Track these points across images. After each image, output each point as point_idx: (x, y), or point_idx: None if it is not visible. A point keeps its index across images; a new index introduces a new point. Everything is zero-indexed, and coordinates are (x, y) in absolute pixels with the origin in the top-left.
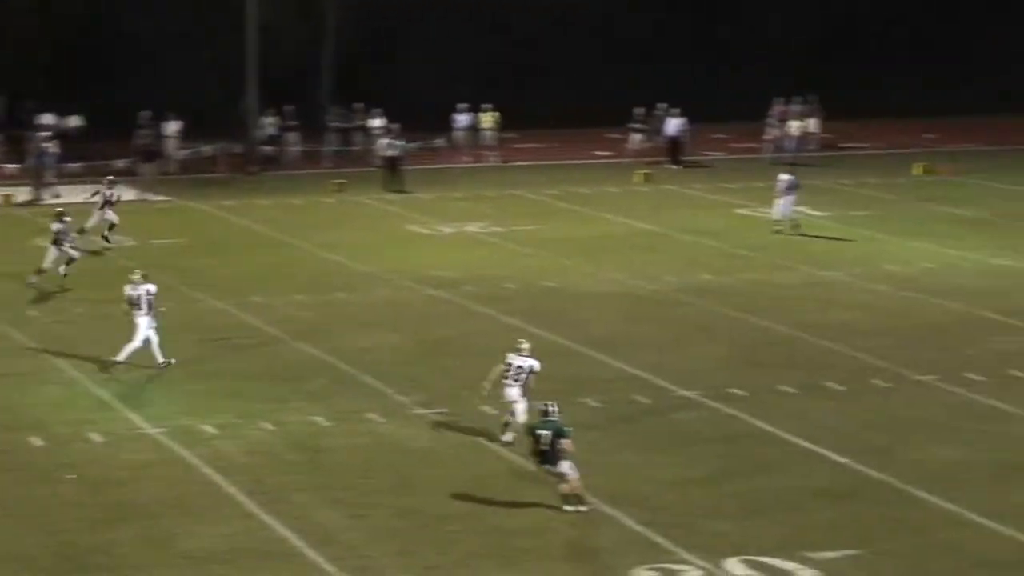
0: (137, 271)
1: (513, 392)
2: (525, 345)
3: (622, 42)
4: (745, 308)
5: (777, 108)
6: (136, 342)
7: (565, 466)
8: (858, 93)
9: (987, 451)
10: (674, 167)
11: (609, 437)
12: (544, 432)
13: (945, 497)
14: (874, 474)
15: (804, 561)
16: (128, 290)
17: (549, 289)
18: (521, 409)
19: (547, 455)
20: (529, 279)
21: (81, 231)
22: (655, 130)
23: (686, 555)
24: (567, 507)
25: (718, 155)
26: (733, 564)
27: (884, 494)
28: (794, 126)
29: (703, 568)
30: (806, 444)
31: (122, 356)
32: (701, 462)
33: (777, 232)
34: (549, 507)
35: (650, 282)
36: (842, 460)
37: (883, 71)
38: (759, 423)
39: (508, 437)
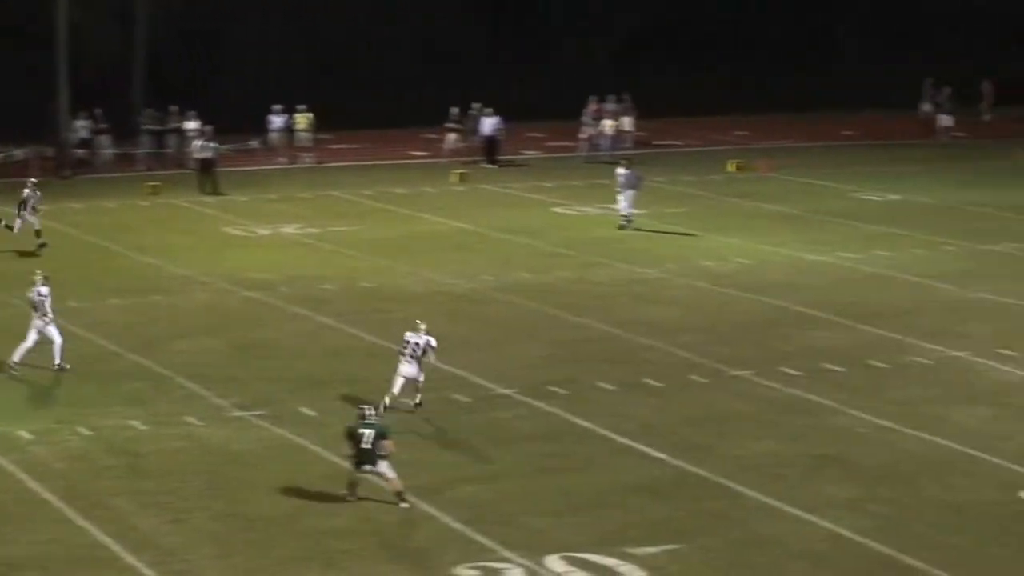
0: (39, 272)
1: (411, 369)
2: (422, 325)
3: (437, 43)
4: (563, 306)
5: (592, 106)
6: (27, 342)
7: (383, 466)
8: (671, 91)
9: (803, 444)
10: (490, 166)
11: (428, 436)
12: (366, 431)
13: (763, 491)
14: (693, 469)
15: (624, 557)
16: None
17: (366, 290)
18: (399, 384)
19: (367, 454)
20: (346, 280)
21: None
22: (471, 130)
23: (507, 553)
24: (403, 504)
25: (534, 154)
26: (553, 561)
27: (703, 489)
28: (608, 124)
29: (524, 565)
30: (625, 440)
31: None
32: (521, 460)
33: (622, 227)
34: (371, 504)
35: (467, 281)
36: (661, 456)
37: (695, 69)
38: (578, 420)
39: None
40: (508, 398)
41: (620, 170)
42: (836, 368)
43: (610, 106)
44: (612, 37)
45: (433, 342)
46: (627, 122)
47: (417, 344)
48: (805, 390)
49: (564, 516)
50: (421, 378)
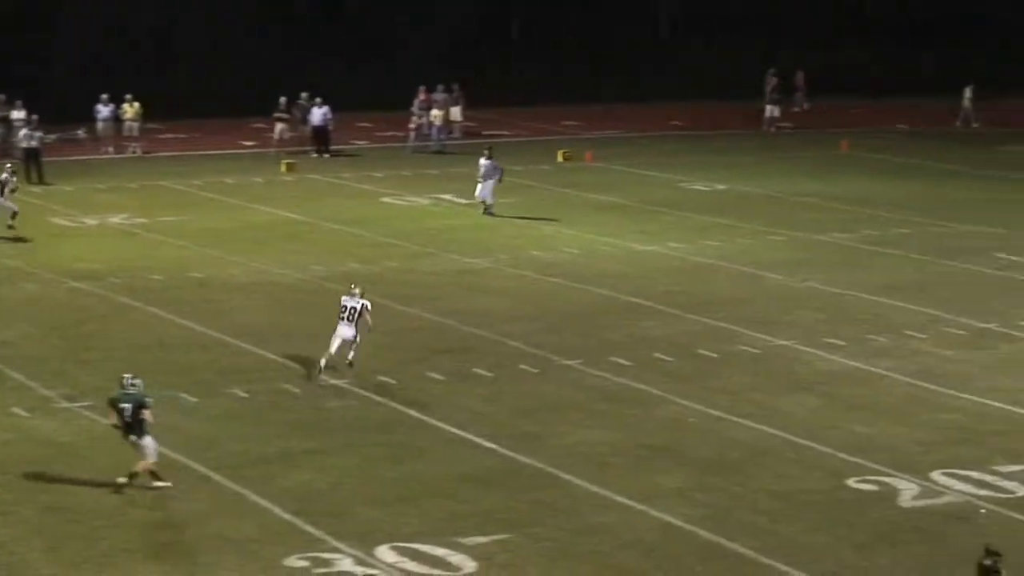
0: None
1: (348, 331)
2: (356, 289)
3: (267, 32)
4: (393, 296)
5: (421, 96)
6: None
7: (148, 440)
8: (501, 81)
9: (633, 434)
10: (320, 156)
11: (256, 427)
12: (125, 405)
13: (593, 480)
14: (523, 459)
15: (455, 547)
16: None
17: (196, 280)
18: (336, 344)
19: (131, 427)
20: (175, 270)
21: None
22: (300, 119)
23: (337, 543)
24: (121, 480)
25: (364, 144)
26: (384, 551)
27: (533, 479)
28: (435, 115)
29: (354, 556)
30: (456, 431)
31: None
32: (351, 450)
33: (486, 213)
34: (199, 496)
35: (297, 271)
36: (492, 445)
37: (525, 60)
38: (409, 410)
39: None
40: (340, 389)
41: (482, 160)
42: (666, 357)
43: (439, 96)
44: (443, 27)
45: (368, 305)
46: (456, 112)
47: (354, 308)
48: (635, 379)
49: (395, 506)
50: (358, 339)
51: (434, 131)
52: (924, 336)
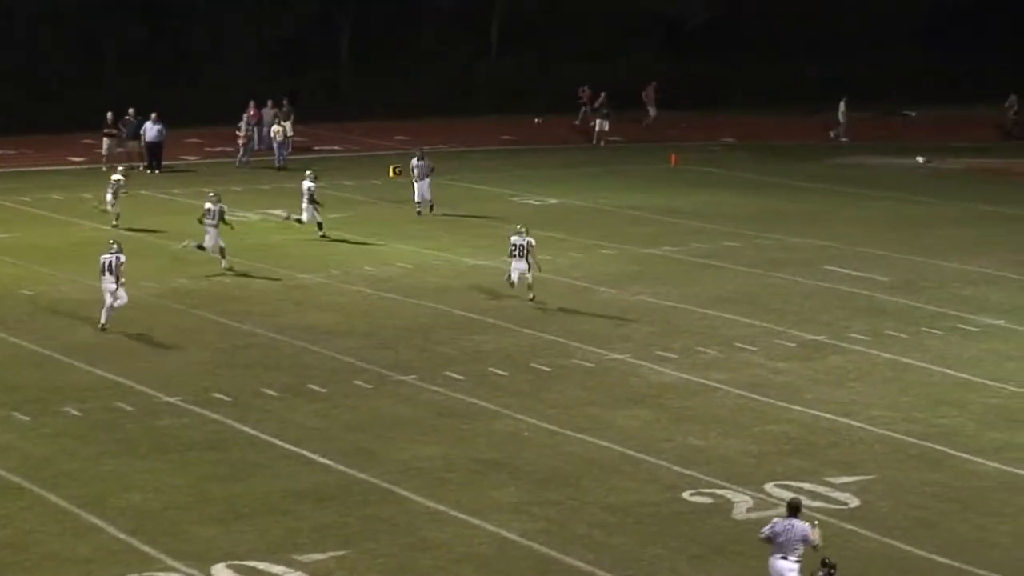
0: None
1: (522, 264)
2: (522, 228)
3: (97, 46)
4: (225, 312)
5: (251, 111)
6: None
7: None
8: (329, 94)
9: (468, 449)
10: (151, 172)
11: (90, 445)
12: None
13: (428, 496)
14: (358, 475)
15: (291, 564)
16: None
17: (26, 297)
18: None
19: None
20: (5, 287)
21: None
22: (130, 134)
23: (173, 562)
24: None
25: (194, 159)
26: (220, 570)
27: (369, 494)
28: (276, 130)
29: (190, 575)
30: (291, 447)
31: None
32: (186, 468)
33: (418, 213)
34: (33, 515)
35: (129, 288)
36: (327, 461)
37: (355, 73)
38: (243, 427)
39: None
40: (173, 406)
41: (415, 161)
42: (499, 372)
43: (269, 110)
44: (271, 40)
45: (533, 242)
46: (288, 127)
47: (522, 245)
48: (469, 394)
49: (231, 524)
50: (530, 274)
51: (276, 147)
52: (755, 348)
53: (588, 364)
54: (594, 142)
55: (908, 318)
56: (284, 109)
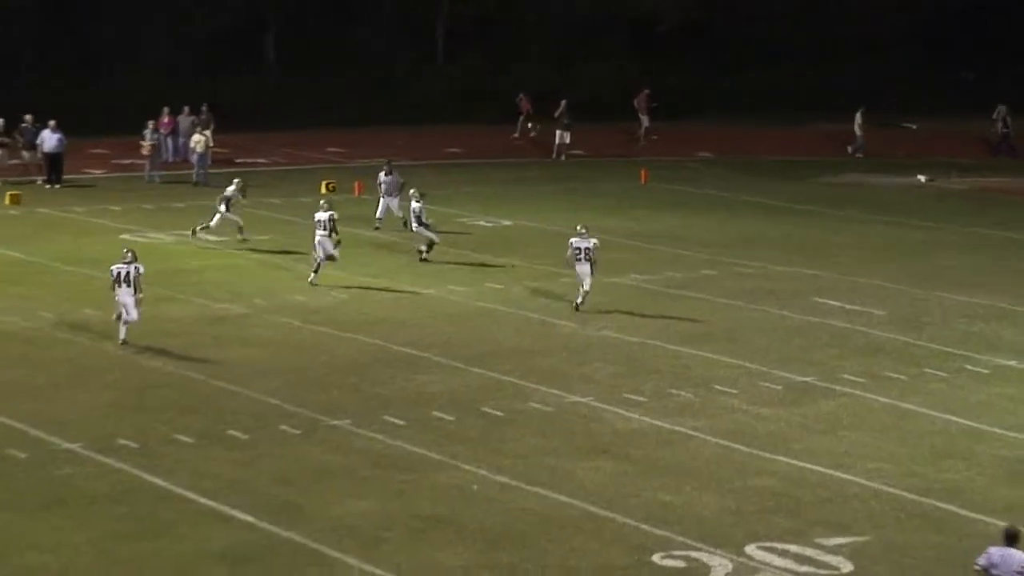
0: None
1: (587, 268)
2: (583, 229)
3: None
4: (134, 347)
5: (164, 119)
6: None
7: None
8: (253, 102)
9: (409, 504)
10: (50, 187)
11: None
12: None
13: (363, 557)
14: (284, 533)
15: None
16: None
17: None
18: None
19: None
20: None
21: None
22: (26, 145)
23: None
24: None
25: (99, 173)
26: None
27: (296, 556)
28: (196, 140)
29: None
30: (207, 501)
31: None
32: (87, 524)
33: (376, 228)
34: None
35: (24, 319)
36: (248, 518)
37: (282, 79)
38: (152, 478)
39: None
40: (72, 453)
41: (382, 175)
42: (445, 416)
43: (187, 118)
44: (189, 41)
45: (597, 243)
46: (209, 137)
47: (588, 248)
48: (410, 442)
49: None
50: (589, 283)
51: (195, 159)
52: (735, 391)
53: (546, 408)
54: (554, 156)
55: (908, 358)
56: (203, 116)
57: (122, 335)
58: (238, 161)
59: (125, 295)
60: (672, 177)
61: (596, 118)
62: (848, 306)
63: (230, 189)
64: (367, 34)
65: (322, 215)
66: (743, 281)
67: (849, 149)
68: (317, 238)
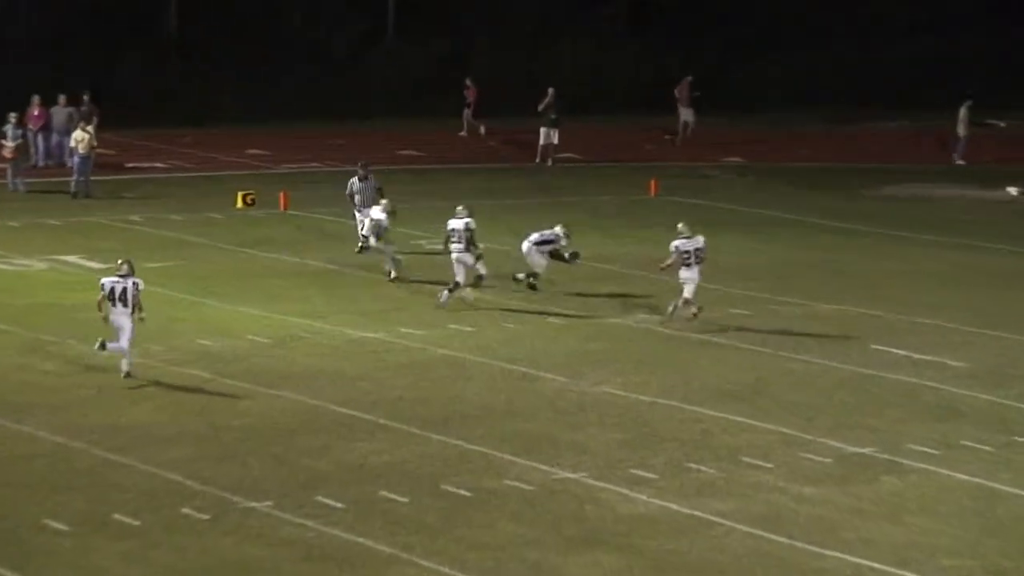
0: None
1: (694, 274)
2: (687, 230)
3: None
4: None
5: (34, 111)
6: None
7: None
8: (149, 91)
9: None
10: None
11: None
12: None
13: None
14: None
15: None
16: None
17: None
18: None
19: None
20: None
21: None
22: None
23: None
24: None
25: None
26: None
27: None
28: (79, 138)
29: None
30: None
31: None
32: None
33: (362, 249)
34: None
35: None
36: None
37: (187, 64)
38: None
39: None
40: None
41: (356, 182)
42: (395, 497)
43: (62, 110)
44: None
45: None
46: (92, 134)
47: (698, 249)
48: (350, 530)
49: None
50: (691, 289)
51: (75, 163)
52: (770, 465)
53: (527, 486)
54: (539, 159)
55: (994, 422)
56: (84, 108)
57: (124, 368)
58: (129, 166)
59: (121, 316)
60: (689, 188)
61: (592, 111)
62: (915, 355)
63: (377, 211)
64: (301, 4)
65: (457, 223)
66: (779, 322)
67: (955, 157)
68: (454, 255)
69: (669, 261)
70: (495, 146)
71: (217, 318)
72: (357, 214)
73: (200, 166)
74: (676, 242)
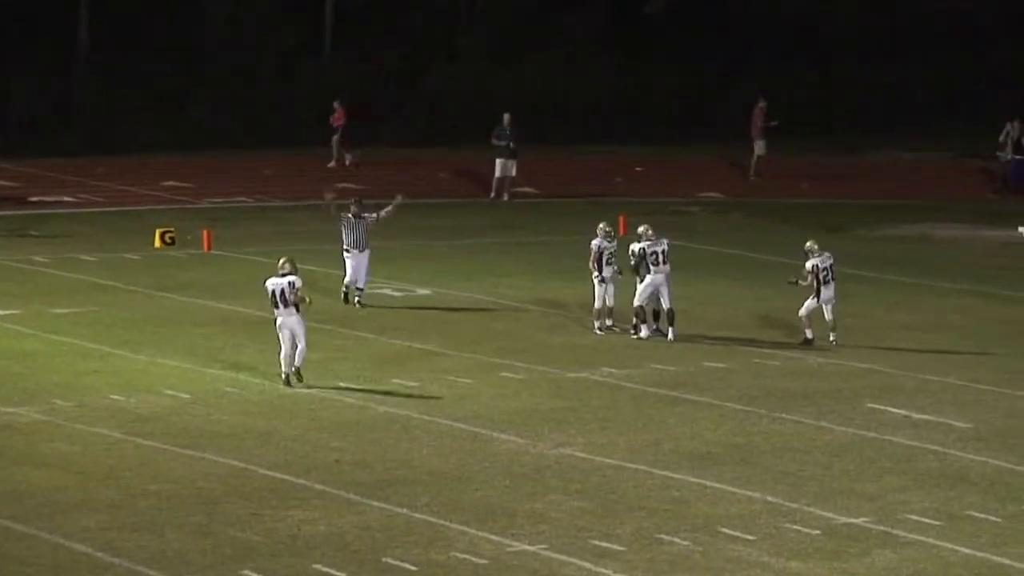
0: None
1: (828, 292)
2: (815, 245)
3: None
4: None
5: None
6: None
7: None
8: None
9: None
10: None
11: None
12: None
13: None
14: None
15: None
16: None
17: None
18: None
19: None
20: None
21: None
22: None
23: None
24: None
25: None
26: None
27: None
28: None
29: None
30: None
31: None
32: None
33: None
34: None
35: None
36: None
37: (97, 79)
38: None
39: None
40: None
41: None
42: (332, 571)
43: None
44: None
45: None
46: None
47: (827, 268)
48: None
49: None
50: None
51: None
52: (752, 537)
53: (478, 560)
54: (493, 195)
55: (1003, 490)
56: None
57: (286, 367)
58: (33, 200)
59: (286, 317)
60: (664, 225)
61: (554, 139)
62: (916, 415)
63: (637, 246)
64: (221, 16)
65: (606, 243)
66: (763, 378)
67: (999, 184)
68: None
69: (804, 283)
70: (445, 177)
71: (132, 371)
72: (346, 255)
73: (111, 199)
74: (812, 261)
